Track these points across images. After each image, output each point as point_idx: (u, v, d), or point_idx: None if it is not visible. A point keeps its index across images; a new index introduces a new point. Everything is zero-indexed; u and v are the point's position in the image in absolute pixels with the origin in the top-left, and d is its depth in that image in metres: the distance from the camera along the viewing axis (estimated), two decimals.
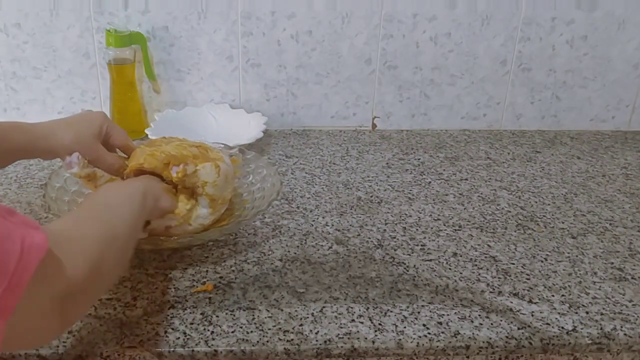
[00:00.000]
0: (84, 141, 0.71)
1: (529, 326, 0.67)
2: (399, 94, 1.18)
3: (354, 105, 1.18)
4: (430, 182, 1.00)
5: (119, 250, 0.56)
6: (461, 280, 0.74)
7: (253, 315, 0.67)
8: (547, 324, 0.67)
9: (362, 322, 0.66)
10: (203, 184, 0.73)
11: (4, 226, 0.40)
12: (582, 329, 0.67)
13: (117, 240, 0.55)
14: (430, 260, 0.78)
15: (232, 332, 0.64)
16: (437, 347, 0.64)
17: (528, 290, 0.73)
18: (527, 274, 0.76)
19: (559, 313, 0.69)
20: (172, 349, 0.62)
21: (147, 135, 1.05)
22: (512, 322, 0.67)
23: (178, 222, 0.73)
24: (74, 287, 0.47)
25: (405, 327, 0.66)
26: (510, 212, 0.91)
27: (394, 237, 0.83)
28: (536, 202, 0.94)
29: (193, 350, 0.62)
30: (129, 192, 0.65)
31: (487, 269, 0.77)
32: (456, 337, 0.65)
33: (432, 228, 0.86)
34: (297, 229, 0.84)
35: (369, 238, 0.82)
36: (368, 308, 0.68)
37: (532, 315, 0.68)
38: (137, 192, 0.65)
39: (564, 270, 0.77)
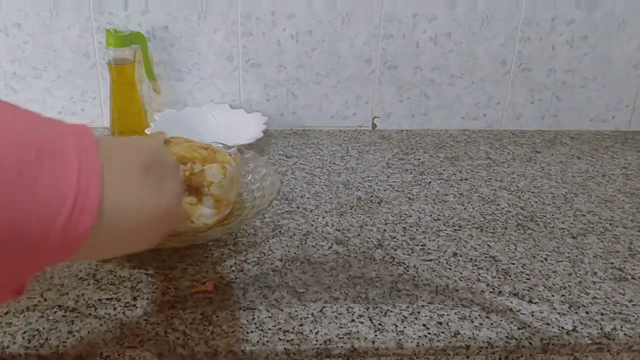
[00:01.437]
0: None
1: (529, 326, 0.67)
2: (399, 94, 1.18)
3: (354, 105, 1.19)
4: (430, 182, 1.00)
5: None
6: (461, 280, 0.74)
7: (253, 315, 0.67)
8: (547, 324, 0.67)
9: (362, 322, 0.66)
10: (209, 183, 0.74)
11: (69, 127, 0.38)
12: (582, 329, 0.67)
13: None
14: (430, 260, 0.78)
15: (232, 332, 0.64)
16: (437, 347, 0.64)
17: (528, 290, 0.73)
18: (527, 274, 0.76)
19: (559, 313, 0.69)
20: (172, 349, 0.62)
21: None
22: (512, 322, 0.67)
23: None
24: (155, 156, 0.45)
25: (405, 327, 0.66)
26: (510, 212, 0.91)
27: (394, 237, 0.83)
28: (536, 202, 0.94)
29: (193, 350, 0.62)
30: None
31: (487, 269, 0.77)
32: (456, 337, 0.65)
33: (432, 228, 0.86)
34: (297, 229, 0.84)
35: (369, 238, 0.82)
36: (368, 308, 0.68)
37: (532, 315, 0.68)
38: None
39: (564, 270, 0.77)
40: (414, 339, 0.64)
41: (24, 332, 0.63)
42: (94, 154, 0.37)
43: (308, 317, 0.67)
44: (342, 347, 0.63)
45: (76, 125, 0.39)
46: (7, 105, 0.37)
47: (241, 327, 0.65)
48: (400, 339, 0.64)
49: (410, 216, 0.89)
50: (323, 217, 0.87)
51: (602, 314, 0.69)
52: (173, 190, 0.48)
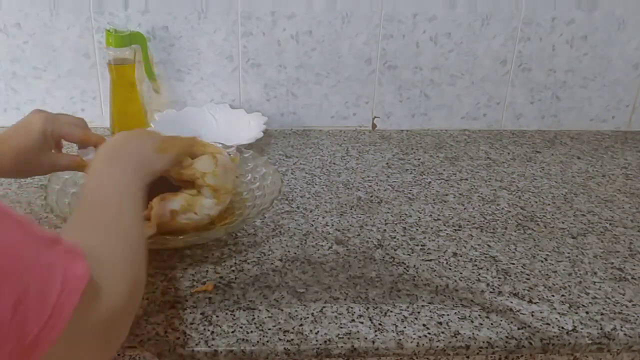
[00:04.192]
0: (28, 161, 0.68)
1: (529, 326, 0.67)
2: (399, 94, 1.18)
3: (354, 105, 1.18)
4: (430, 182, 1.00)
5: (143, 252, 0.55)
6: (461, 280, 0.74)
7: (253, 315, 0.67)
8: (547, 324, 0.67)
9: (362, 322, 0.66)
10: (202, 174, 0.75)
11: (47, 258, 0.39)
12: (582, 329, 0.67)
13: (140, 244, 0.54)
14: (430, 260, 0.78)
15: (232, 332, 0.64)
16: (437, 347, 0.64)
17: (528, 290, 0.73)
18: (527, 274, 0.76)
19: (559, 313, 0.69)
20: (172, 349, 0.62)
21: None
22: (512, 322, 0.67)
23: (182, 206, 0.74)
24: (116, 312, 0.46)
25: (405, 327, 0.66)
26: (510, 212, 0.91)
27: (394, 237, 0.83)
28: (536, 202, 0.94)
29: (193, 350, 0.62)
30: (119, 178, 0.60)
31: (487, 269, 0.77)
32: (456, 337, 0.65)
33: (432, 228, 0.86)
34: (297, 229, 0.84)
35: (369, 238, 0.82)
36: (368, 308, 0.68)
37: (532, 315, 0.68)
38: (127, 171, 0.61)
39: (564, 270, 0.77)
40: (414, 339, 0.64)
41: None
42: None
43: (308, 317, 0.67)
44: (342, 347, 0.63)
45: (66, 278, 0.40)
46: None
47: (241, 327, 0.65)
48: (400, 339, 0.64)
49: (410, 216, 0.89)
50: (323, 217, 0.87)
51: (602, 314, 0.69)
52: None
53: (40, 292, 0.38)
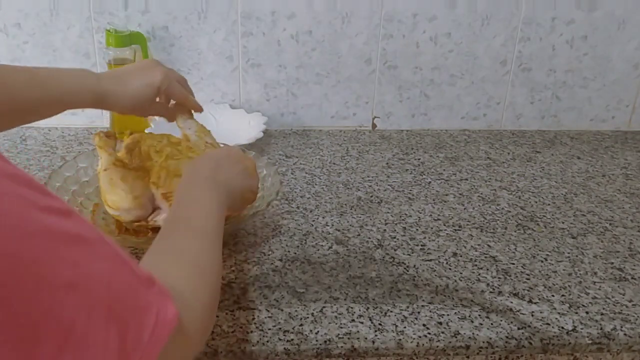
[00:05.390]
0: (137, 106, 0.77)
1: (529, 326, 0.67)
2: (399, 94, 1.18)
3: (354, 105, 1.18)
4: (430, 182, 1.00)
5: (218, 295, 0.56)
6: (461, 280, 0.74)
7: (253, 315, 0.67)
8: (547, 324, 0.67)
9: (362, 322, 0.66)
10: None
11: (145, 299, 0.40)
12: (582, 329, 0.67)
13: (218, 289, 0.55)
14: (430, 260, 0.78)
15: (232, 332, 0.64)
16: (437, 347, 0.64)
17: (528, 290, 0.73)
18: (527, 274, 0.76)
19: (559, 313, 0.69)
20: None
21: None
22: (512, 322, 0.67)
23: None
24: (192, 354, 0.48)
25: (405, 327, 0.66)
26: (510, 212, 0.91)
27: (394, 237, 0.83)
28: (536, 202, 0.94)
29: None
30: (207, 207, 0.62)
31: (487, 269, 0.77)
32: (456, 337, 0.65)
33: (432, 228, 0.86)
34: (297, 229, 0.84)
35: (369, 238, 0.82)
36: (368, 308, 0.68)
37: (532, 315, 0.68)
38: (213, 202, 0.62)
39: (564, 270, 0.77)
40: (414, 339, 0.64)
41: None
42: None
43: (308, 317, 0.67)
44: (342, 347, 0.63)
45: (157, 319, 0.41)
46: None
47: (241, 327, 0.65)
48: (400, 339, 0.64)
49: (410, 216, 0.89)
50: (323, 217, 0.87)
51: (602, 314, 0.69)
52: None
53: (137, 332, 0.39)
